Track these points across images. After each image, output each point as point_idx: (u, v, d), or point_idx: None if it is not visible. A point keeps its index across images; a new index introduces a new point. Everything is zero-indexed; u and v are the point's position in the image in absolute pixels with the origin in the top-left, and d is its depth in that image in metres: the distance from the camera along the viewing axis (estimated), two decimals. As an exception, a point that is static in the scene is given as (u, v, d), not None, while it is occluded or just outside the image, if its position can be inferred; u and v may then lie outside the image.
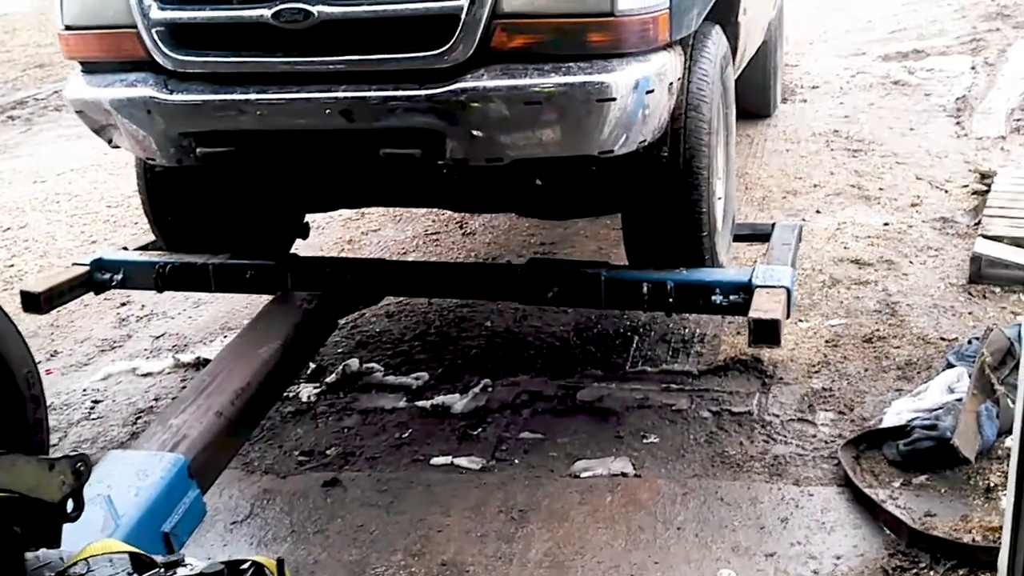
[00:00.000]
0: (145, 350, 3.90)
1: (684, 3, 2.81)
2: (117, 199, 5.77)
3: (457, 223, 4.94)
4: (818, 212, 4.62)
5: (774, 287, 2.86)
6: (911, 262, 4.04)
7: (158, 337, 3.99)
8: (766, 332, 2.71)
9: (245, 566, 1.49)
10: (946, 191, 4.79)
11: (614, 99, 2.59)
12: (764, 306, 2.77)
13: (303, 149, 2.94)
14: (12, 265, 4.94)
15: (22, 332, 2.08)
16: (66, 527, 1.63)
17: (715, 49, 3.12)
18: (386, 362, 3.60)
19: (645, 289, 2.97)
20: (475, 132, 2.67)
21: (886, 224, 4.43)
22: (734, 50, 3.53)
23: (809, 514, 2.63)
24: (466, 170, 2.88)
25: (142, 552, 1.53)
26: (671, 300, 2.97)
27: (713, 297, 2.93)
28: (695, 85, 2.97)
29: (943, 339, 3.40)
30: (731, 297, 2.91)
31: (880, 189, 4.86)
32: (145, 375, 3.68)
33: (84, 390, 3.61)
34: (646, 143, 2.81)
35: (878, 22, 8.63)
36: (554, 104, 2.60)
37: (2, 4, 13.97)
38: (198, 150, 2.90)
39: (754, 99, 5.92)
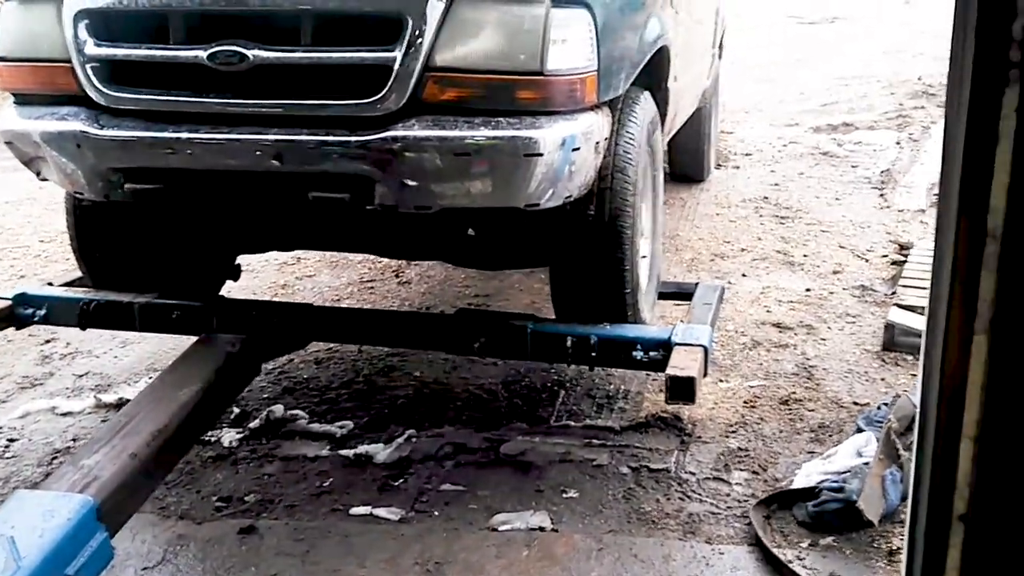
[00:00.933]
0: (67, 388, 3.84)
1: (612, 67, 2.91)
2: (51, 234, 5.69)
3: (393, 271, 4.97)
4: (744, 275, 4.75)
5: (692, 345, 2.94)
6: (830, 327, 4.18)
7: (81, 376, 3.93)
8: (682, 389, 2.78)
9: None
10: (867, 260, 4.97)
11: (541, 155, 2.68)
12: (681, 363, 2.84)
13: (232, 189, 2.97)
14: (-66, 297, 4.82)
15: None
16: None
17: (643, 114, 3.23)
18: (311, 409, 3.60)
19: (569, 343, 3.03)
20: (405, 180, 2.73)
21: (808, 290, 4.57)
22: (663, 115, 3.66)
23: (719, 573, 2.68)
24: (395, 216, 2.92)
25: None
26: (594, 354, 3.03)
27: (634, 353, 3.00)
28: (622, 148, 3.07)
29: (856, 403, 3.51)
30: (651, 354, 2.99)
31: (804, 256, 5.02)
32: (64, 414, 3.62)
33: (0, 428, 3.53)
34: (572, 199, 2.90)
35: (811, 94, 8.97)
36: (483, 156, 2.68)
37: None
38: (126, 186, 2.91)
39: (688, 164, 6.12)
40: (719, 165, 6.68)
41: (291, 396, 3.71)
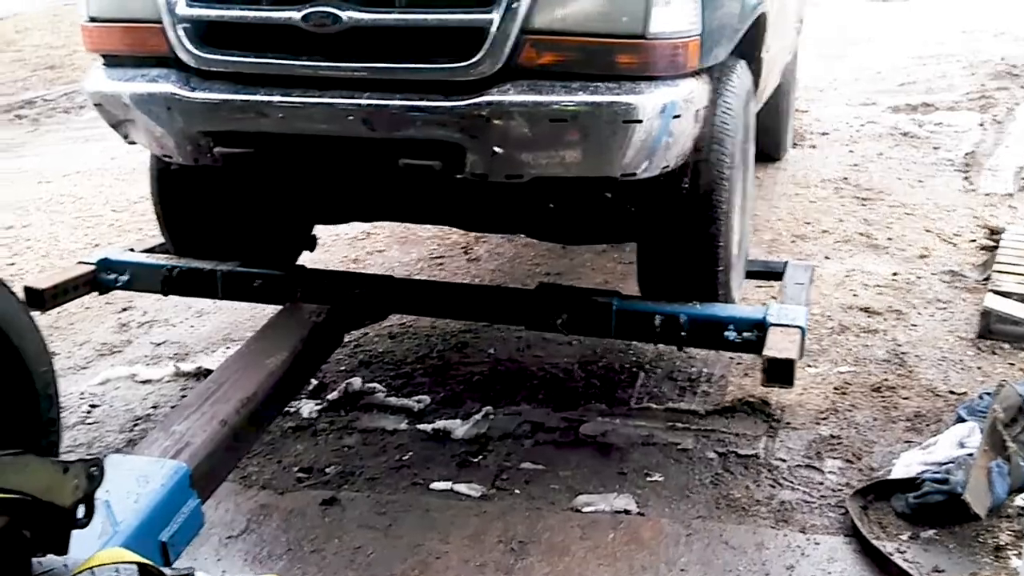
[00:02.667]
0: (145, 356, 3.85)
1: (715, 32, 2.79)
2: (122, 204, 5.74)
3: (462, 248, 4.91)
4: (827, 258, 4.61)
5: (788, 326, 2.83)
6: (920, 313, 4.03)
7: (159, 344, 3.95)
8: (780, 371, 2.68)
9: (254, 584, 1.44)
10: (954, 244, 4.78)
11: (640, 121, 2.57)
12: (779, 345, 2.74)
13: (322, 155, 2.90)
14: (13, 263, 4.89)
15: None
16: (64, 532, 1.57)
17: (740, 83, 3.11)
18: (388, 383, 3.56)
19: (657, 321, 2.94)
20: (497, 148, 2.64)
21: (895, 274, 4.42)
22: (756, 86, 3.53)
23: (815, 563, 2.58)
24: (480, 188, 2.84)
25: (151, 563, 1.47)
26: (683, 334, 2.93)
27: (726, 333, 2.90)
28: (720, 118, 2.95)
29: (952, 392, 3.37)
30: (744, 334, 2.88)
31: (889, 239, 4.85)
32: (144, 382, 3.63)
33: (82, 394, 3.55)
34: (668, 169, 2.78)
35: (887, 73, 8.69)
36: (579, 123, 2.58)
37: (15, 3, 14.00)
38: (216, 150, 2.87)
39: (765, 141, 5.92)
40: (796, 144, 6.50)
41: (367, 369, 3.67)
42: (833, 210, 5.28)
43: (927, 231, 4.96)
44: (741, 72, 3.18)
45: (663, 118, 2.61)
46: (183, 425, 2.45)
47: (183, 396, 3.51)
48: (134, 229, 5.27)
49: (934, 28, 10.70)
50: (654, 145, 2.65)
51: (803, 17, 6.06)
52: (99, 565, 1.47)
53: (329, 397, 3.43)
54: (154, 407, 3.45)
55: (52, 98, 8.92)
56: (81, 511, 1.53)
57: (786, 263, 3.49)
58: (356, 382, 3.49)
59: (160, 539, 2.04)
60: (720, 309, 2.99)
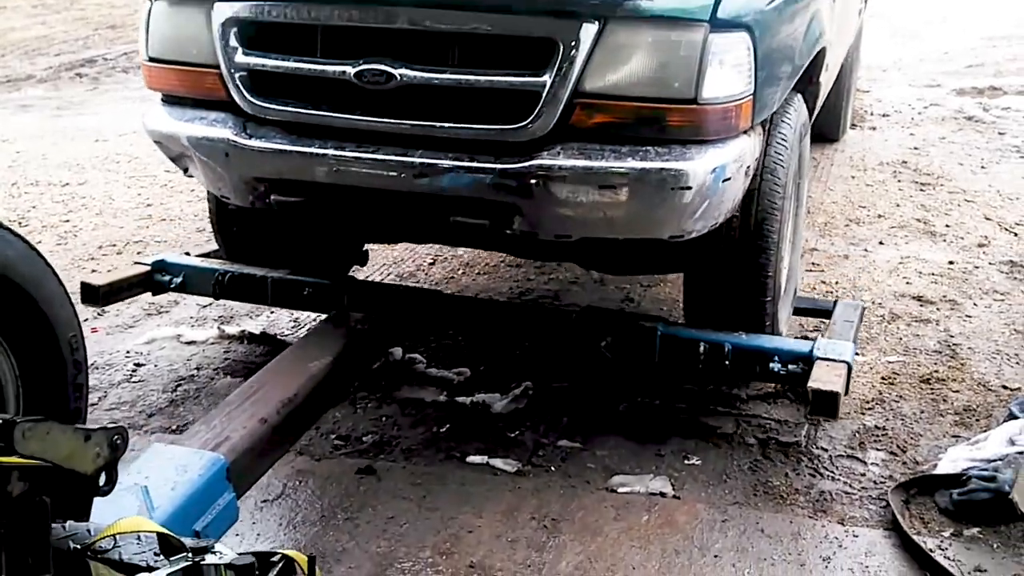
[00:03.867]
0: (191, 318, 3.90)
1: (769, 87, 2.75)
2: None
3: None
4: (881, 243, 4.50)
5: (835, 360, 2.80)
6: (975, 304, 3.92)
7: (205, 306, 3.99)
8: (825, 404, 2.66)
9: (275, 558, 1.44)
10: (1015, 234, 4.65)
11: (690, 187, 2.55)
12: (824, 378, 2.71)
13: (373, 207, 2.94)
14: (67, 220, 4.98)
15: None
16: (100, 510, 1.59)
17: (795, 116, 3.08)
18: (428, 354, 3.56)
19: (702, 349, 2.91)
20: (546, 209, 2.64)
21: (951, 262, 4.30)
22: (811, 110, 3.48)
23: (852, 555, 2.54)
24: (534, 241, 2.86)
25: (171, 533, 1.49)
26: (727, 363, 2.90)
27: (771, 364, 2.87)
28: (773, 149, 2.91)
29: (1005, 387, 3.28)
30: (790, 367, 2.86)
31: (947, 226, 4.72)
32: (189, 343, 3.68)
33: (127, 352, 3.61)
34: (716, 226, 2.77)
35: (955, 54, 8.44)
36: (628, 189, 2.56)
37: (79, -38, 14.19)
38: (272, 197, 2.91)
39: (823, 121, 5.80)
40: (854, 125, 6.35)
41: (408, 339, 3.67)
42: (890, 194, 5.15)
43: (987, 219, 4.82)
44: (797, 106, 3.14)
45: (713, 182, 2.58)
46: (224, 420, 2.51)
47: (226, 359, 3.56)
48: (186, 190, 5.33)
49: (1010, 7, 10.35)
50: (704, 208, 2.64)
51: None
52: (120, 532, 1.48)
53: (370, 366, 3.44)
54: (197, 368, 3.50)
55: (112, 57, 9.05)
56: (103, 479, 1.54)
57: (835, 301, 3.42)
58: (397, 352, 3.49)
59: (194, 528, 2.08)
60: (767, 340, 2.96)
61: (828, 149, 5.84)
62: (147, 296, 4.07)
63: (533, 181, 2.59)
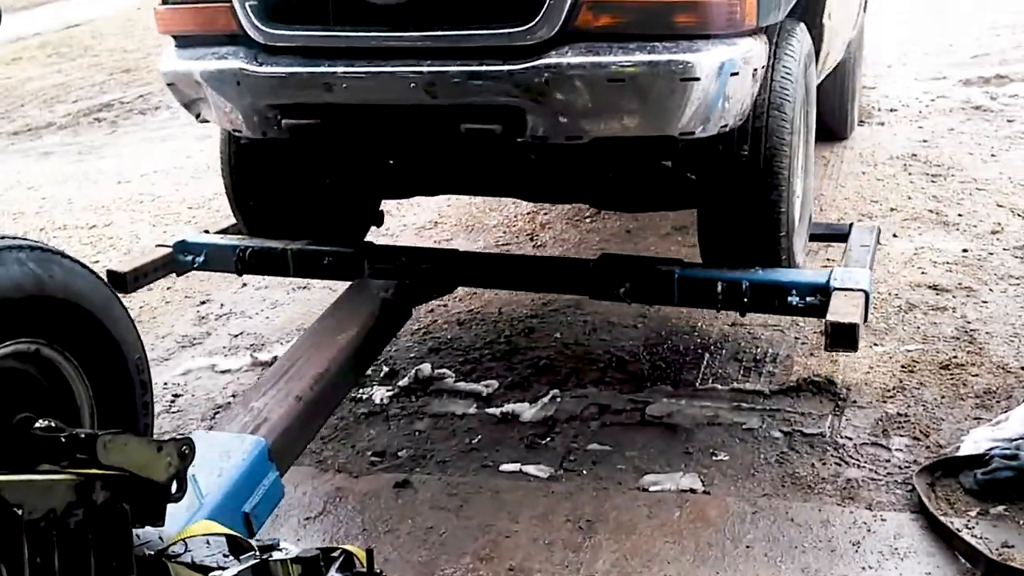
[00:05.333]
0: (224, 347, 4.01)
1: None
2: (198, 201, 5.94)
3: (528, 235, 4.98)
4: (895, 236, 4.55)
5: (852, 290, 2.82)
6: (991, 290, 3.96)
7: (236, 335, 4.10)
8: (843, 336, 2.68)
9: (335, 553, 1.53)
10: (1028, 219, 4.68)
11: (698, 79, 2.59)
12: (842, 309, 2.73)
13: (386, 124, 2.99)
14: (97, 262, 5.10)
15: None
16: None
17: (799, 47, 3.11)
18: (457, 368, 3.65)
19: (719, 288, 2.96)
20: (556, 109, 2.69)
21: (965, 251, 4.35)
22: (817, 52, 3.51)
23: (882, 539, 2.60)
24: (545, 152, 2.88)
25: (239, 535, 1.58)
26: (746, 300, 2.94)
27: (789, 298, 2.90)
28: (778, 83, 2.95)
29: (1024, 369, 3.33)
30: (807, 299, 2.88)
31: (959, 215, 4.77)
32: (223, 371, 3.78)
33: (165, 383, 3.72)
34: (727, 128, 2.79)
35: (959, 46, 8.47)
36: (637, 82, 2.61)
37: (89, 10, 14.50)
38: (283, 122, 2.97)
39: (830, 119, 5.86)
40: (862, 122, 6.39)
41: (436, 355, 3.77)
42: (901, 187, 5.20)
43: (999, 206, 4.86)
44: (801, 35, 3.17)
45: (721, 76, 2.62)
46: (261, 402, 2.54)
47: (261, 384, 3.66)
48: (211, 225, 5.41)
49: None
50: (712, 103, 2.66)
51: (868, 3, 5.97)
52: (191, 536, 1.58)
53: (400, 383, 3.54)
54: (233, 396, 3.59)
55: (128, 100, 9.23)
56: (174, 486, 1.65)
57: (851, 225, 3.46)
58: (426, 368, 3.59)
59: (243, 510, 2.15)
60: (782, 274, 2.99)
61: (837, 146, 5.90)
62: (179, 329, 4.21)
63: (542, 80, 2.64)
